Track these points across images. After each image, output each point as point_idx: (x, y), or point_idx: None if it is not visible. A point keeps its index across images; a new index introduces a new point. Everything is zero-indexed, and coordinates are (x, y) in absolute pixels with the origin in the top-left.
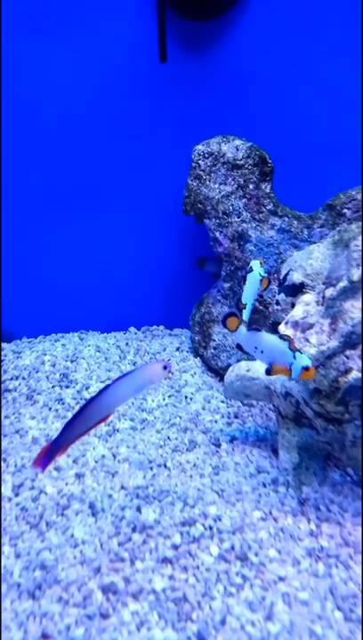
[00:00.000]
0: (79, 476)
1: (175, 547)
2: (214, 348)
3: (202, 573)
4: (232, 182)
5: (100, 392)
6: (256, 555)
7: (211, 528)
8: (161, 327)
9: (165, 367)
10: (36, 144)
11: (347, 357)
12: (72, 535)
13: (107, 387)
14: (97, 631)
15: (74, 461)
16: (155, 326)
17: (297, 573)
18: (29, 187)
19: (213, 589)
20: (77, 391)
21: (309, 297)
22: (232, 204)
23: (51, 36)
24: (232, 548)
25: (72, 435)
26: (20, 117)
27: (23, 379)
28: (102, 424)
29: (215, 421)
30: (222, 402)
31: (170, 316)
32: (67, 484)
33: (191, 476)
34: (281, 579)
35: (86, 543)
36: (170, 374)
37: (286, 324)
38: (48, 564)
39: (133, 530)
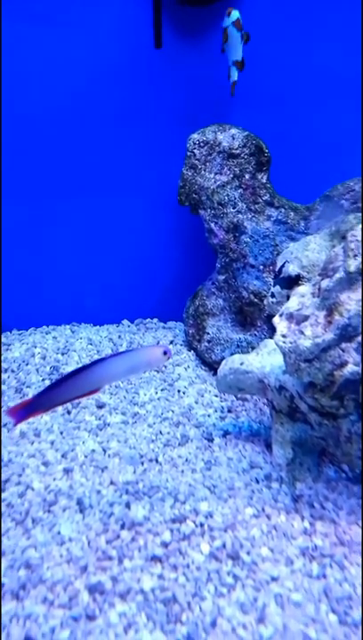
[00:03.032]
0: (67, 470)
1: (165, 544)
2: (208, 342)
3: (192, 572)
4: (228, 172)
5: (93, 363)
6: (248, 553)
7: (202, 525)
8: (155, 320)
9: (164, 352)
10: (27, 131)
11: (343, 350)
12: (59, 532)
13: (101, 359)
14: (83, 633)
15: (62, 456)
16: (148, 319)
17: (290, 573)
18: (19, 177)
19: (203, 589)
20: None
21: (304, 288)
22: (228, 195)
23: (44, 21)
24: (224, 546)
25: (54, 399)
26: (11, 104)
27: (12, 371)
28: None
29: (208, 415)
30: (216, 396)
31: (164, 309)
32: (54, 480)
33: (183, 472)
34: (274, 579)
35: (73, 541)
36: (169, 360)
37: (281, 315)
38: (33, 563)
39: (122, 527)
